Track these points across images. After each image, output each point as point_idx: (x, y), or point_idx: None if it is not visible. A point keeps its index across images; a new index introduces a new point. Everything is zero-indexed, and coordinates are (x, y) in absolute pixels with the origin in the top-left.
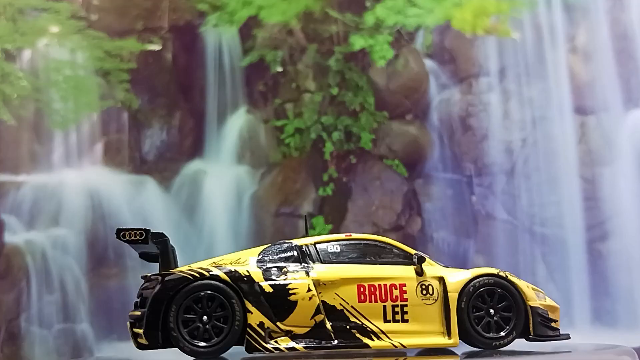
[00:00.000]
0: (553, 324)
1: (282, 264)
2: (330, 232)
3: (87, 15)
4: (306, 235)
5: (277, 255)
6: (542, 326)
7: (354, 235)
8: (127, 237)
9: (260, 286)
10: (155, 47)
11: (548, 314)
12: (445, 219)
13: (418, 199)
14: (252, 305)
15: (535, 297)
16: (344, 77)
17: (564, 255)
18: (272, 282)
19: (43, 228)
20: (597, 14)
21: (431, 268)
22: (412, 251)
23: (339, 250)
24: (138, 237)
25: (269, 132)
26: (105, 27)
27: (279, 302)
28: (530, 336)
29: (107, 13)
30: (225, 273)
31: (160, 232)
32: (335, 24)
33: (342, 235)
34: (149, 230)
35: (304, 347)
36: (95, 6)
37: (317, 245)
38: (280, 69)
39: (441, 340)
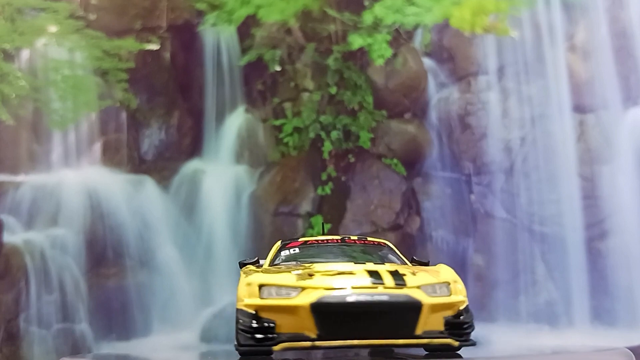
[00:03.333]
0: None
1: None
2: (330, 232)
3: (85, 15)
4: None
5: None
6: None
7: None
8: None
9: None
10: (154, 46)
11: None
12: (444, 217)
13: (417, 198)
14: None
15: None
16: (343, 76)
17: (563, 254)
18: None
19: (42, 228)
20: (596, 12)
21: None
22: None
23: None
24: None
25: (267, 131)
26: (104, 27)
27: None
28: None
29: (105, 12)
30: None
31: None
32: (334, 23)
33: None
34: None
35: None
36: (94, 6)
37: None
38: (278, 68)
39: None
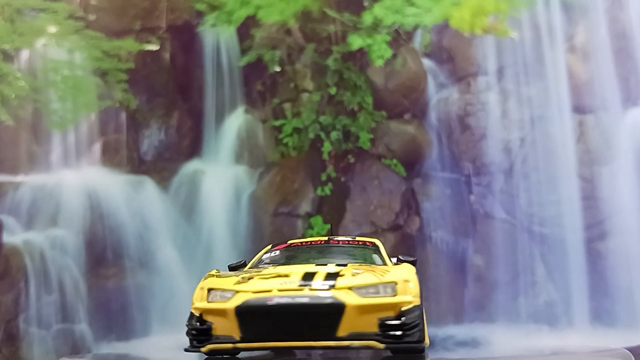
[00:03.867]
0: None
1: None
2: (329, 233)
3: (85, 16)
4: None
5: None
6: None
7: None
8: None
9: None
10: (153, 47)
11: None
12: (444, 218)
13: (416, 199)
14: None
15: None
16: (342, 76)
17: (562, 255)
18: None
19: (41, 228)
20: (595, 13)
21: None
22: None
23: None
24: None
25: (267, 131)
26: (103, 27)
27: None
28: None
29: (105, 13)
30: None
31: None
32: (334, 24)
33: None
34: None
35: None
36: (93, 6)
37: None
38: (278, 69)
39: None
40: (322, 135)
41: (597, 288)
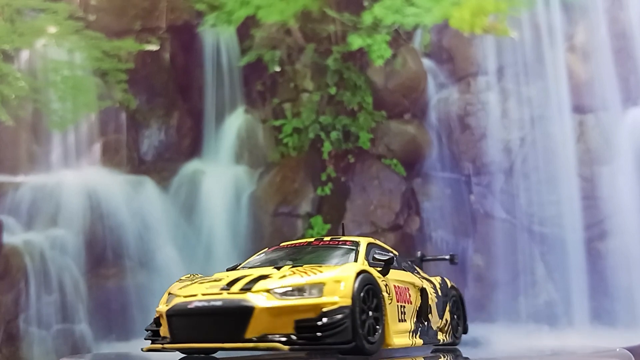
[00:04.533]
0: None
1: None
2: (329, 232)
3: (85, 16)
4: None
5: None
6: None
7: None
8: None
9: None
10: (153, 47)
11: None
12: (444, 218)
13: (416, 198)
14: None
15: None
16: (342, 76)
17: (562, 255)
18: None
19: (41, 228)
20: (595, 12)
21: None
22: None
23: None
24: None
25: (267, 131)
26: (103, 28)
27: None
28: None
29: (105, 13)
30: None
31: None
32: (333, 24)
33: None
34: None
35: None
36: (93, 6)
37: None
38: (278, 69)
39: None
40: (322, 135)
41: (597, 288)
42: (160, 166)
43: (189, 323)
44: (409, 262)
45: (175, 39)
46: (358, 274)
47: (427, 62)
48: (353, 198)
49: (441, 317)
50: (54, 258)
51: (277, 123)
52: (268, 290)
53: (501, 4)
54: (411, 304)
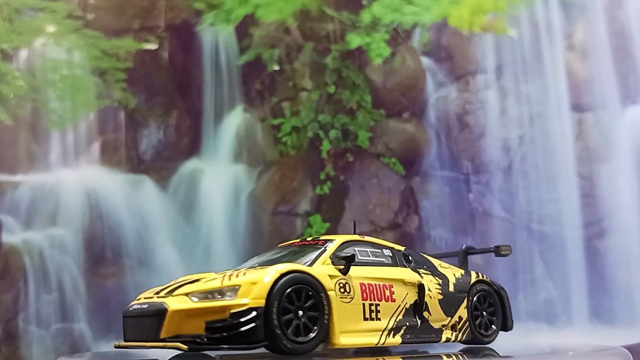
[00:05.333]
0: None
1: None
2: (328, 231)
3: (83, 15)
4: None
5: None
6: None
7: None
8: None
9: None
10: (152, 46)
11: None
12: (443, 216)
13: (415, 197)
14: None
15: None
16: (341, 75)
17: (562, 253)
18: None
19: (40, 228)
20: (594, 11)
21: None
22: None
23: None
24: None
25: (266, 130)
26: (102, 27)
27: None
28: None
29: (103, 12)
30: None
31: None
32: (332, 22)
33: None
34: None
35: None
36: (92, 5)
37: None
38: (277, 68)
39: None
40: (321, 134)
41: (596, 286)
42: (159, 165)
43: (129, 323)
44: (425, 257)
45: (174, 38)
46: (284, 274)
47: (425, 61)
48: (352, 197)
49: (450, 314)
50: (53, 257)
51: (276, 122)
52: (187, 294)
53: (500, 2)
54: (394, 301)
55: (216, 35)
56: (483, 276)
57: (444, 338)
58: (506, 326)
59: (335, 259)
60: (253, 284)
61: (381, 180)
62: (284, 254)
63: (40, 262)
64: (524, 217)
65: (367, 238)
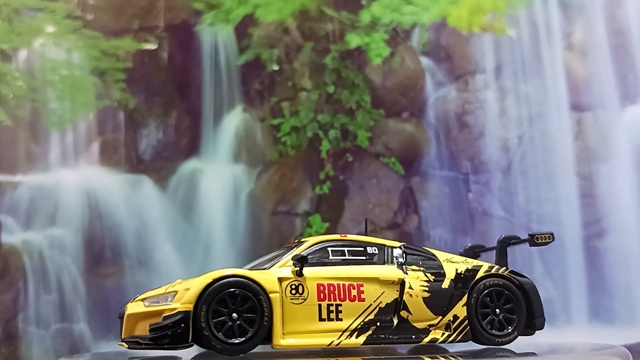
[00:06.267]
0: None
1: None
2: (327, 230)
3: (82, 15)
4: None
5: None
6: None
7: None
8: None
9: None
10: (151, 46)
11: None
12: (442, 216)
13: (415, 197)
14: None
15: None
16: (340, 75)
17: (561, 252)
18: None
19: (40, 228)
20: (593, 10)
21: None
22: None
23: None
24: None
25: (265, 130)
26: (101, 27)
27: None
28: None
29: (103, 12)
30: None
31: None
32: (331, 22)
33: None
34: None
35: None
36: (91, 6)
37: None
38: (276, 68)
39: None
40: (321, 133)
41: (595, 285)
42: (159, 165)
43: (121, 324)
44: (430, 251)
45: (173, 38)
46: (218, 279)
47: (425, 61)
48: (351, 197)
49: (441, 312)
50: (53, 257)
51: (276, 122)
52: (143, 300)
53: (499, 2)
54: (362, 300)
55: (215, 35)
56: (501, 270)
57: (428, 338)
58: (532, 325)
59: (294, 261)
60: (187, 289)
61: (380, 180)
62: (269, 257)
63: (39, 263)
64: (523, 216)
65: (349, 237)
